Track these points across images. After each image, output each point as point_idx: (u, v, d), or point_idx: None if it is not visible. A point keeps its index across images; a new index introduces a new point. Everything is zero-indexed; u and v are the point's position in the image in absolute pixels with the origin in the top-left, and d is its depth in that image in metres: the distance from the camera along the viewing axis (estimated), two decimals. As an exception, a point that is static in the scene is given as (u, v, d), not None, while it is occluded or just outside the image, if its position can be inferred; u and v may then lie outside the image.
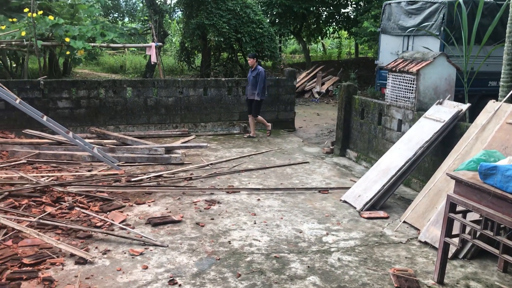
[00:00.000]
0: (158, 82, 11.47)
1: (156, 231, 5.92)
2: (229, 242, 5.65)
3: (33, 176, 7.44)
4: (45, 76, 11.29)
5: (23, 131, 10.01)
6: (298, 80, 18.81)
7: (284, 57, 29.33)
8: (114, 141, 9.96)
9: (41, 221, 5.81)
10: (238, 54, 19.87)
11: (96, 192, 7.00)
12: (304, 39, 25.13)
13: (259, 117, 11.42)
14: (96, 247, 5.41)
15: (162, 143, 10.26)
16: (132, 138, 10.02)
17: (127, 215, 6.40)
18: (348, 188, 7.49)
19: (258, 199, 7.14)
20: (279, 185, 7.82)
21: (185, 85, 11.62)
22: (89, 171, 8.26)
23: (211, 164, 8.95)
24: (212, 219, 6.34)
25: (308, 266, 5.10)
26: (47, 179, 7.43)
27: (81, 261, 5.02)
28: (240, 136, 11.72)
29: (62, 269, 4.89)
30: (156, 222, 6.10)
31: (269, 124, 11.70)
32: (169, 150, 9.32)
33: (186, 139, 10.80)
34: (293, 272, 4.96)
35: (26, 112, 7.98)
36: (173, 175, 8.14)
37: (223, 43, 17.29)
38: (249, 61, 11.20)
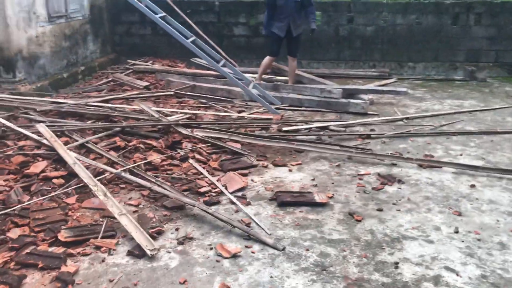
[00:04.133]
0: (355, 6, 8.74)
1: (280, 216, 3.62)
2: (396, 264, 3.01)
3: (161, 111, 5.83)
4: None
5: (191, 59, 8.68)
6: None
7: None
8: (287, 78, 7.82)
9: (123, 175, 4.07)
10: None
11: (227, 141, 5.01)
12: None
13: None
14: (177, 229, 3.41)
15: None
16: (309, 76, 7.73)
17: (252, 180, 4.24)
18: None
19: (472, 185, 4.15)
20: (516, 165, 4.61)
21: (391, 9, 8.63)
22: (240, 111, 6.33)
23: (406, 118, 6.09)
24: (380, 210, 3.72)
25: None
26: (182, 116, 5.73)
27: (137, 253, 3.08)
28: (463, 83, 8.29)
29: (103, 260, 3.02)
30: (284, 201, 3.79)
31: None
32: (351, 94, 6.74)
33: (383, 82, 8.00)
34: None
35: (167, 30, 6.34)
36: (344, 129, 5.62)
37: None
38: None
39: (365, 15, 8.69)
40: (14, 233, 3.21)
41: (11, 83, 6.28)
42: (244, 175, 4.33)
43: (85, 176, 3.84)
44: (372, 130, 5.61)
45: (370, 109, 6.42)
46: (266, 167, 4.55)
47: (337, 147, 4.95)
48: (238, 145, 4.96)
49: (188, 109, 6.27)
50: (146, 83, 7.41)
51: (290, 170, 4.48)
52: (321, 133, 5.41)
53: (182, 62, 9.04)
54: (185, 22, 8.92)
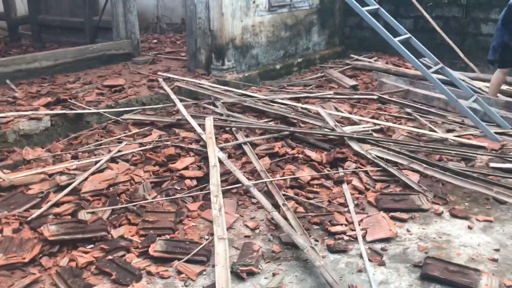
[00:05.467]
0: None
1: (415, 295, 2.59)
2: None
3: (350, 117, 5.08)
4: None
5: (420, 59, 7.50)
6: None
7: None
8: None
9: (251, 189, 3.59)
10: None
11: (404, 169, 4.00)
12: None
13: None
14: (274, 274, 2.77)
15: None
16: None
17: (407, 230, 3.22)
18: None
19: None
20: None
21: None
22: (449, 131, 5.07)
23: None
24: None
25: None
26: (368, 126, 4.90)
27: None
28: None
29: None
30: (431, 274, 2.70)
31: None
32: None
33: None
34: None
35: (372, 24, 5.44)
36: None
37: None
38: None
39: None
40: (117, 232, 3.11)
41: (219, 70, 6.45)
42: (401, 220, 3.33)
43: (214, 182, 3.51)
44: None
45: None
46: (439, 214, 3.42)
47: (563, 208, 3.39)
48: (416, 176, 3.89)
49: (384, 119, 5.35)
50: (354, 82, 6.70)
51: (470, 228, 3.25)
52: (547, 181, 3.84)
53: (412, 61, 7.92)
54: (422, 16, 7.80)
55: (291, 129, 4.61)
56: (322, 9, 8.14)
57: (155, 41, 9.58)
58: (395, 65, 7.79)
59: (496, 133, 4.91)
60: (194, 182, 3.73)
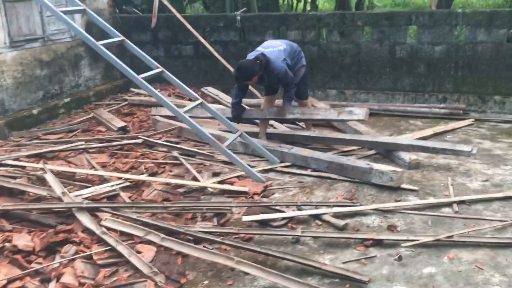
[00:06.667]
0: (418, 18, 6.39)
1: None
2: None
3: (99, 174, 4.19)
4: (245, 9, 7.80)
5: (202, 89, 6.99)
6: None
7: None
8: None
9: None
10: None
11: (140, 242, 3.20)
12: None
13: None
14: None
15: (400, 129, 5.54)
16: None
17: None
18: None
19: None
20: None
21: (469, 21, 6.15)
22: (215, 174, 4.46)
23: (459, 203, 3.76)
24: None
25: None
26: (117, 183, 4.03)
27: None
28: None
29: None
30: None
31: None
32: (390, 151, 4.58)
33: (452, 124, 5.64)
34: None
35: (109, 60, 4.67)
36: (346, 222, 3.48)
37: None
38: None
39: (432, 30, 6.30)
40: None
41: None
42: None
43: None
44: (391, 227, 3.43)
45: (410, 177, 4.21)
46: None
47: (300, 278, 2.89)
48: (152, 252, 3.13)
49: (145, 168, 4.55)
50: (122, 124, 5.82)
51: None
52: (299, 232, 3.35)
53: (198, 90, 7.37)
54: (199, 42, 7.31)
55: (1, 205, 3.52)
56: (91, 40, 7.16)
57: None
58: (178, 97, 7.16)
59: (265, 170, 4.48)
60: None
